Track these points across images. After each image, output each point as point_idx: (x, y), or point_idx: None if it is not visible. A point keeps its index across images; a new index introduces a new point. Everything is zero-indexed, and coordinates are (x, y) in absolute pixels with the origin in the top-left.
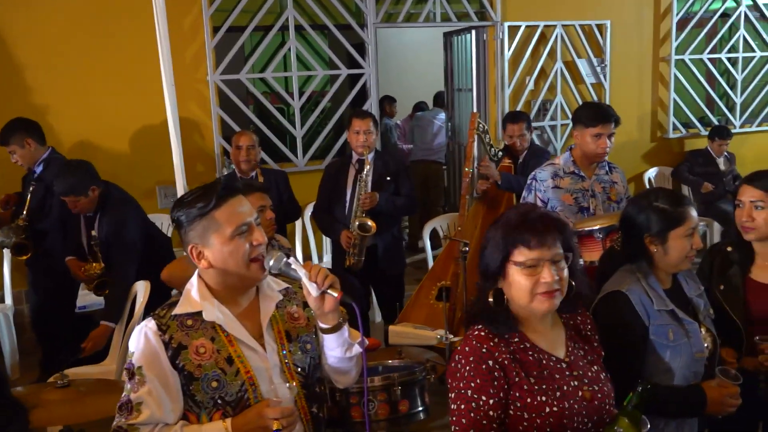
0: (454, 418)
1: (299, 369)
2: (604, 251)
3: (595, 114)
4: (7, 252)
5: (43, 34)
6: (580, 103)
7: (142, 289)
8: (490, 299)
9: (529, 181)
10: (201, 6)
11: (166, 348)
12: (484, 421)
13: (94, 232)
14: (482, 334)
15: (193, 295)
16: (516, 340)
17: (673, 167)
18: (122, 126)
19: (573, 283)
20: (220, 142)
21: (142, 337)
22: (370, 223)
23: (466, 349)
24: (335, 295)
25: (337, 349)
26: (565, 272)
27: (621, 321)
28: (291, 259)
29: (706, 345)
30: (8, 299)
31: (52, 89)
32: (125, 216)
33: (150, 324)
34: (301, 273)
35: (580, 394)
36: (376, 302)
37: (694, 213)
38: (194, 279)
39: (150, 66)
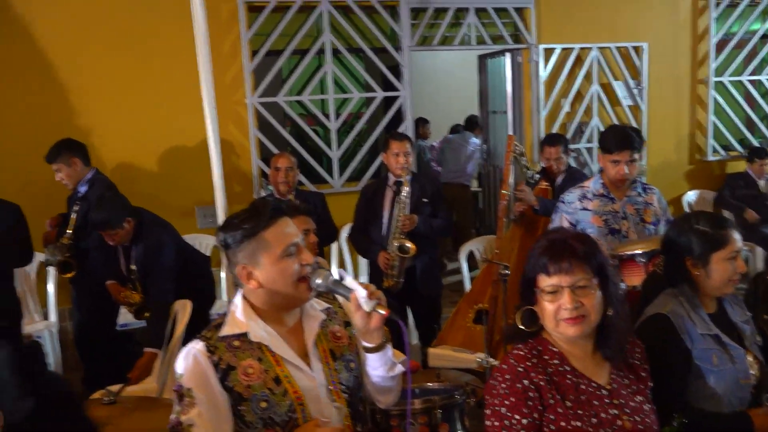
0: None
1: (344, 387)
2: (647, 276)
3: (611, 140)
4: (52, 270)
5: (88, 58)
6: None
7: (182, 309)
8: (519, 321)
9: (557, 204)
10: (240, 30)
11: (215, 369)
12: None
13: (133, 266)
14: (521, 353)
15: (238, 316)
16: (556, 362)
17: (712, 190)
18: (162, 147)
19: (608, 311)
20: (258, 164)
21: (190, 359)
22: (409, 244)
23: (504, 367)
24: (383, 312)
25: (381, 368)
26: (595, 298)
27: (662, 343)
28: (339, 272)
29: (752, 372)
30: (53, 316)
31: (96, 112)
32: (160, 240)
33: (198, 346)
34: (354, 285)
35: (619, 423)
36: (413, 324)
37: (737, 236)
38: (238, 300)
39: (190, 89)
